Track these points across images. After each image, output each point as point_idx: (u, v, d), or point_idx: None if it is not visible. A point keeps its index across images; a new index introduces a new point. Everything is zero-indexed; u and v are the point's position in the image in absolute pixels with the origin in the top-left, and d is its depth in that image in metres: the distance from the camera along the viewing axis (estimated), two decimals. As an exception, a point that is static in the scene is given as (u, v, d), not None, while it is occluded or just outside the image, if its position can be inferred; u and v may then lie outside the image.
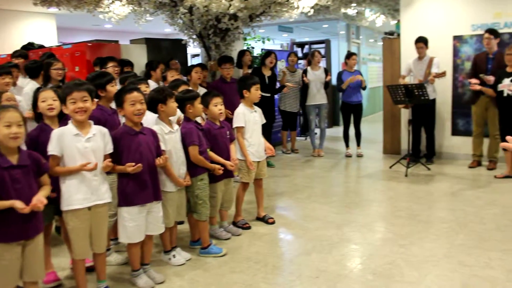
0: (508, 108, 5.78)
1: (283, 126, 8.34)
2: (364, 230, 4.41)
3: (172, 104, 3.57)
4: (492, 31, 6.29)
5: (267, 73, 7.46)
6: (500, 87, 5.77)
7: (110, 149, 3.11)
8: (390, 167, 6.83)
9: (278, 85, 7.72)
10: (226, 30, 7.37)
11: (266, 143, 4.61)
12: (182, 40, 7.87)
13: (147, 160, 3.26)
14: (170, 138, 3.56)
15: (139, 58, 7.29)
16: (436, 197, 5.46)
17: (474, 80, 6.24)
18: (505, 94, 5.72)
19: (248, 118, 4.45)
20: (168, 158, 3.45)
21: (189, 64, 9.05)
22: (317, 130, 8.24)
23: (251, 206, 4.99)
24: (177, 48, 8.17)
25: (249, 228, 4.51)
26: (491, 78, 6.05)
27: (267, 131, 6.83)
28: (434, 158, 7.12)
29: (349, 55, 7.82)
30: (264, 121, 4.67)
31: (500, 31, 6.64)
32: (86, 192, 2.95)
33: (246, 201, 4.92)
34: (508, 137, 1.26)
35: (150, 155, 3.30)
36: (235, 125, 4.41)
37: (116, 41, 7.86)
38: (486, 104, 6.38)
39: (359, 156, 7.79)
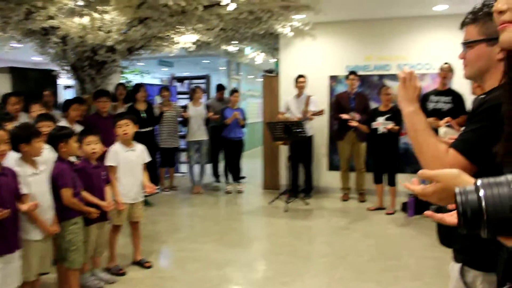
0: (381, 144, 6.15)
1: (162, 163, 8.04)
2: (246, 270, 4.32)
3: (37, 144, 3.21)
4: (355, 73, 6.78)
5: (141, 107, 7.18)
6: (374, 125, 6.15)
7: None
8: (270, 202, 6.88)
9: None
10: (102, 63, 7.02)
11: (146, 181, 4.35)
12: (52, 70, 7.34)
13: (9, 205, 2.88)
14: (34, 180, 3.19)
15: (1, 89, 6.62)
16: (315, 232, 5.57)
17: (345, 116, 6.62)
18: (379, 132, 6.11)
19: (122, 156, 4.19)
20: (37, 204, 3.08)
21: (60, 96, 8.47)
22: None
23: (127, 249, 4.64)
24: (47, 79, 7.59)
25: (124, 274, 4.17)
26: (356, 116, 6.49)
27: (152, 168, 6.54)
28: (312, 193, 7.34)
29: (232, 92, 7.88)
30: (147, 159, 4.41)
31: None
32: None
33: (122, 244, 4.59)
34: (414, 180, 1.22)
35: (12, 199, 2.94)
36: (106, 163, 4.12)
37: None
38: (352, 140, 6.79)
39: (239, 192, 7.76)
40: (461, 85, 5.40)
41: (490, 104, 1.43)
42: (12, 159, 3.17)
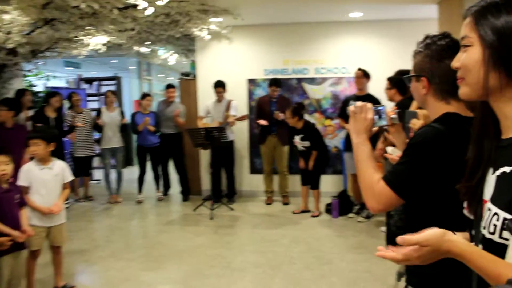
0: (305, 158, 6.24)
1: (76, 172, 7.49)
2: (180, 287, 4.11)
3: None
4: (276, 83, 6.72)
5: (52, 114, 6.68)
6: (294, 142, 6.27)
7: None
8: (194, 210, 6.68)
9: (65, 127, 6.98)
10: (2, 66, 6.37)
11: (59, 200, 3.93)
12: None
13: None
14: None
15: None
16: (244, 240, 5.46)
17: (262, 121, 6.62)
18: (299, 149, 6.23)
19: (35, 175, 3.79)
20: None
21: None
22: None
23: (45, 273, 4.21)
24: None
25: (45, 304, 3.81)
26: (281, 115, 6.51)
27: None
28: (235, 197, 7.23)
29: (143, 96, 7.51)
30: (69, 178, 4.00)
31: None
32: None
33: (39, 267, 4.14)
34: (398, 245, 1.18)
35: None
36: (18, 183, 3.71)
37: None
38: (274, 143, 6.79)
39: (160, 199, 7.46)
40: (379, 89, 5.54)
41: (416, 140, 1.54)
42: None
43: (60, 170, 3.94)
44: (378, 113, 1.71)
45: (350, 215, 6.12)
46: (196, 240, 5.46)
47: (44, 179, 3.85)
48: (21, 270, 3.61)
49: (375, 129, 1.70)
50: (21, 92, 6.63)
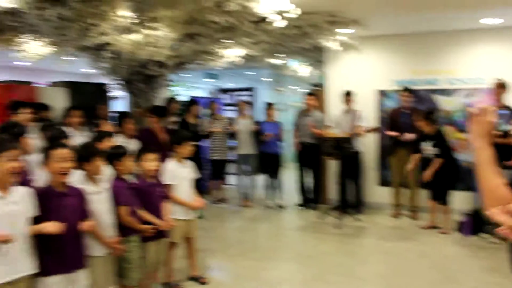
0: (427, 165, 6.01)
1: (212, 175, 8.08)
2: (302, 290, 4.26)
3: (97, 163, 3.29)
4: (409, 90, 6.65)
5: (192, 120, 7.30)
6: (421, 149, 6.08)
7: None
8: (320, 218, 6.78)
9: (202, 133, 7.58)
10: (152, 77, 7.14)
11: (195, 196, 4.40)
12: (104, 84, 7.52)
13: (71, 226, 2.93)
14: (96, 198, 3.25)
15: (59, 102, 6.82)
16: (368, 250, 5.45)
17: (391, 133, 6.57)
18: (424, 156, 6.04)
19: (176, 174, 4.24)
20: (95, 223, 3.13)
21: (110, 108, 8.65)
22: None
23: (182, 263, 4.63)
24: (100, 92, 7.79)
25: (181, 290, 4.22)
26: (407, 136, 6.37)
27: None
28: (362, 208, 7.19)
29: (269, 105, 7.84)
30: (198, 176, 4.45)
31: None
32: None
33: (180, 256, 4.59)
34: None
35: (75, 219, 2.98)
36: (164, 181, 4.18)
37: (29, 83, 7.34)
38: (404, 156, 6.62)
39: (281, 207, 7.62)
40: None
41: None
42: (76, 177, 3.25)
43: (191, 168, 4.41)
44: (502, 117, 1.67)
45: (483, 235, 5.75)
46: (321, 247, 5.57)
47: (183, 176, 4.30)
48: (163, 256, 4.05)
49: (497, 133, 1.66)
50: (169, 100, 7.37)
